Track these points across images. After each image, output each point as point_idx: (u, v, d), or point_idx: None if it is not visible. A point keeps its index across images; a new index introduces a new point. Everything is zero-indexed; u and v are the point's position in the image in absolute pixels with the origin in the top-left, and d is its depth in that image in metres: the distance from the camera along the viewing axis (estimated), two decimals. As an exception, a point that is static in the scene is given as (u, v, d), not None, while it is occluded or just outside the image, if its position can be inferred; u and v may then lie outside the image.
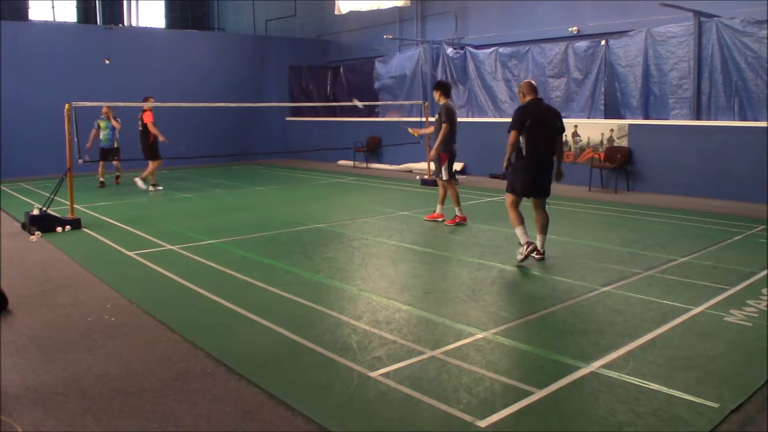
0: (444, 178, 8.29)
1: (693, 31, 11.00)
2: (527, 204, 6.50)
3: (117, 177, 13.13)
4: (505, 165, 6.28)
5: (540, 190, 6.34)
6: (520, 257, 6.17)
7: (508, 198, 6.39)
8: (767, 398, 3.40)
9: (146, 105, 11.80)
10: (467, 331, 4.40)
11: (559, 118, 6.35)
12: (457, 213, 8.32)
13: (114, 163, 12.86)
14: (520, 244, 6.22)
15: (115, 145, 12.63)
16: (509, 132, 6.18)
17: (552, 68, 13.26)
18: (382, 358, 3.93)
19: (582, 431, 3.07)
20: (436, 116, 8.35)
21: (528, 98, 6.32)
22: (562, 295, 5.24)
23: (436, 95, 8.38)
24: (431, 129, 8.36)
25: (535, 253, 6.25)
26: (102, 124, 12.52)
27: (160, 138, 11.70)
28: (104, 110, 12.51)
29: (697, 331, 4.38)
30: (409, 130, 9.33)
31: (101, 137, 12.54)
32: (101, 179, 12.77)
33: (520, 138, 6.18)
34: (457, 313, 4.82)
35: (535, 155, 6.19)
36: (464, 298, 5.24)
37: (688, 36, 11.12)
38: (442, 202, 8.58)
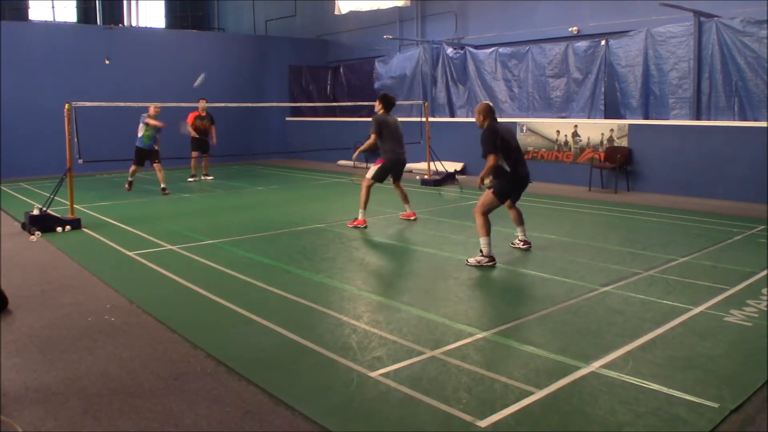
0: (367, 176, 8.36)
1: (693, 31, 11.00)
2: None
3: (164, 189, 11.69)
4: (479, 183, 6.27)
5: (519, 196, 6.73)
6: (473, 262, 6.17)
7: (492, 203, 6.30)
8: (767, 398, 3.40)
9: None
10: (467, 331, 4.40)
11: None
12: (360, 216, 8.24)
13: (155, 167, 11.53)
14: (481, 252, 6.17)
15: (156, 148, 11.46)
16: (485, 156, 6.14)
17: (552, 68, 13.25)
18: (382, 358, 3.93)
19: (582, 431, 3.08)
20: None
21: (487, 121, 6.32)
22: (562, 295, 5.24)
23: (377, 106, 8.46)
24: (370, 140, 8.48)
25: (522, 244, 6.83)
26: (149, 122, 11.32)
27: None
28: (153, 111, 11.26)
29: (697, 331, 4.38)
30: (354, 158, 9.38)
31: (143, 135, 11.31)
32: (130, 179, 11.72)
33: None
34: (457, 313, 4.82)
35: (521, 170, 6.41)
36: (464, 298, 5.24)
37: (688, 36, 11.12)
38: (407, 202, 8.62)
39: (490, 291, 5.59)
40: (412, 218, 8.61)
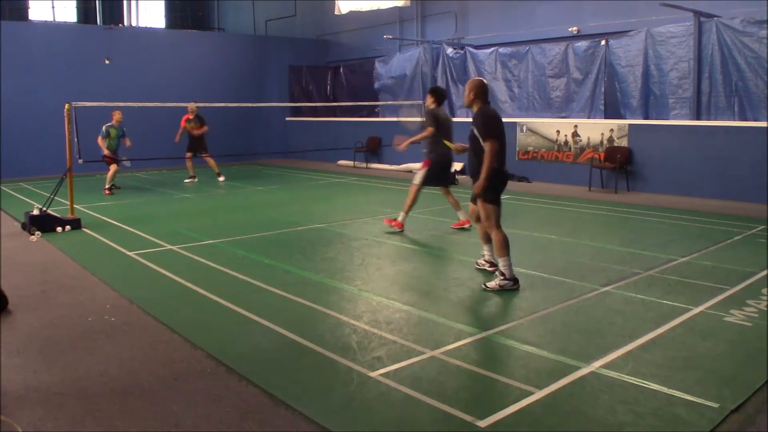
0: (414, 181, 7.87)
1: (693, 31, 11.01)
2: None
3: (109, 188, 11.86)
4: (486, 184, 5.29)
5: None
6: (494, 287, 5.38)
7: (495, 213, 5.39)
8: (767, 398, 3.40)
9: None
10: (467, 331, 4.40)
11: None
12: (400, 218, 7.87)
13: (113, 167, 11.77)
14: (503, 274, 5.37)
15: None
16: (486, 140, 5.21)
17: (552, 68, 13.26)
18: (382, 358, 3.93)
19: (582, 431, 3.07)
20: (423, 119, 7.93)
21: (480, 103, 5.41)
22: (562, 295, 5.24)
23: (429, 100, 7.85)
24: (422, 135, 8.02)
25: (488, 265, 5.99)
26: (113, 132, 11.64)
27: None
28: (116, 118, 11.67)
29: (697, 331, 4.38)
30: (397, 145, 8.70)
31: (108, 145, 11.62)
32: (111, 183, 11.88)
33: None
34: (457, 313, 4.82)
35: (503, 162, 5.47)
36: (464, 298, 5.24)
37: (688, 36, 11.13)
38: (459, 208, 8.10)
39: (490, 291, 5.58)
40: (466, 226, 7.91)
